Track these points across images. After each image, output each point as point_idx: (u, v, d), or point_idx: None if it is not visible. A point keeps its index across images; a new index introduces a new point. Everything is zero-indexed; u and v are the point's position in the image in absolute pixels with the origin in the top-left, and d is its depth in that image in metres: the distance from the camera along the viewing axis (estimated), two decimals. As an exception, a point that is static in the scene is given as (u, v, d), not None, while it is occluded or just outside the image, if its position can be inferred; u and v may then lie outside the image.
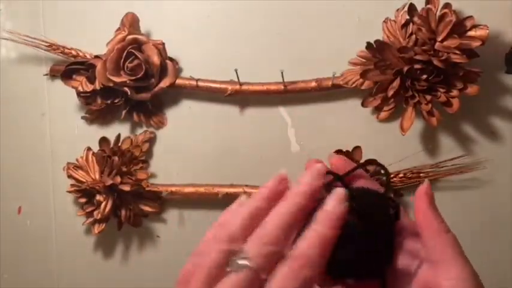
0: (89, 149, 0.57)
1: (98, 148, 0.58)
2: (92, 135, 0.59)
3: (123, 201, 0.55)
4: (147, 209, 0.56)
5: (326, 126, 0.53)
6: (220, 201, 0.55)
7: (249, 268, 0.25)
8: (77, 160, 0.57)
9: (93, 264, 0.61)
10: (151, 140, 0.57)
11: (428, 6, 0.45)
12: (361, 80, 0.48)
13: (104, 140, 0.57)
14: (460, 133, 0.49)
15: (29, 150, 0.61)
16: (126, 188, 0.54)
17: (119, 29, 0.55)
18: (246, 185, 0.54)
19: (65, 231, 0.62)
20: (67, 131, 0.60)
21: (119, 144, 0.57)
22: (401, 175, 0.49)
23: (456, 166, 0.49)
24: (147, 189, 0.55)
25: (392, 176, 0.49)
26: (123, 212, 0.55)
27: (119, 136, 0.57)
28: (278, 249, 0.26)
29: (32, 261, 0.63)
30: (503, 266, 0.50)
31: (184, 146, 0.57)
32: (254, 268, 0.25)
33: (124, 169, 0.55)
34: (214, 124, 0.56)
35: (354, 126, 0.52)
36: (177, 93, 0.56)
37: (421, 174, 0.49)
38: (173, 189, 0.55)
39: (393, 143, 0.51)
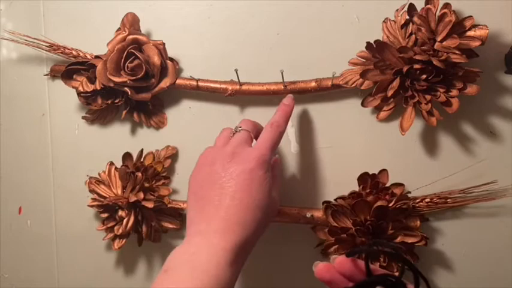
0: (111, 163, 0.57)
1: (99, 151, 0.58)
2: (92, 135, 0.59)
3: (144, 217, 0.55)
4: (167, 225, 0.56)
5: (326, 126, 0.53)
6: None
7: (244, 130, 0.47)
8: (99, 174, 0.58)
9: (93, 263, 0.61)
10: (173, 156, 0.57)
11: (428, 6, 0.45)
12: (361, 80, 0.48)
13: (127, 155, 0.57)
14: (460, 133, 0.49)
15: (29, 150, 0.62)
16: (149, 204, 0.54)
17: (119, 29, 0.55)
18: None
19: (65, 231, 0.62)
20: (67, 131, 0.60)
21: (142, 160, 0.57)
22: (427, 200, 0.49)
23: (485, 193, 0.48)
24: (169, 206, 0.55)
25: (418, 200, 0.49)
26: (144, 228, 0.55)
27: (141, 151, 0.57)
28: (259, 126, 0.50)
29: (32, 261, 0.63)
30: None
31: (185, 146, 0.57)
32: (247, 130, 0.48)
33: (146, 185, 0.55)
34: (214, 124, 0.56)
35: (353, 126, 0.52)
36: (177, 93, 0.56)
37: (448, 200, 0.49)
38: None
39: (393, 143, 0.51)
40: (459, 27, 0.44)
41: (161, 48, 0.55)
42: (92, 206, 0.56)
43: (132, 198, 0.54)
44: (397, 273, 0.34)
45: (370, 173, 0.50)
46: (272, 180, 0.44)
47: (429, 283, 0.33)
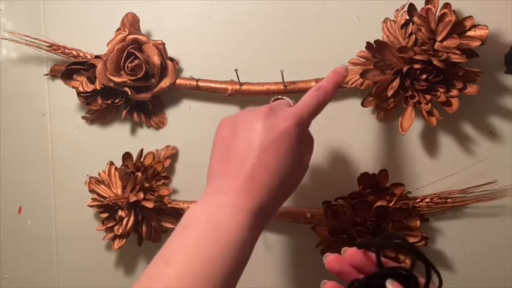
0: (111, 163, 0.57)
1: (99, 151, 0.58)
2: (92, 135, 0.59)
3: (144, 217, 0.55)
4: (167, 225, 0.56)
5: (326, 126, 0.53)
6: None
7: (284, 99, 0.44)
8: (99, 174, 0.58)
9: (93, 263, 0.61)
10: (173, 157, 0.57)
11: (428, 6, 0.45)
12: (361, 79, 0.49)
13: (127, 155, 0.57)
14: (460, 133, 0.49)
15: (29, 150, 0.62)
16: (149, 204, 0.54)
17: (119, 29, 0.55)
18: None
19: (65, 231, 0.62)
20: (67, 131, 0.60)
21: (142, 160, 0.57)
22: (427, 200, 0.49)
23: (485, 193, 0.48)
24: (169, 205, 0.55)
25: (418, 200, 0.49)
26: (144, 228, 0.55)
27: (141, 151, 0.57)
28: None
29: (32, 261, 0.63)
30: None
31: (185, 146, 0.57)
32: (287, 99, 0.44)
33: (146, 185, 0.55)
34: (214, 124, 0.55)
35: (354, 126, 0.52)
36: (177, 93, 0.56)
37: (448, 200, 0.48)
38: None
39: (393, 143, 0.51)
40: (459, 27, 0.44)
41: (161, 48, 0.55)
42: (92, 206, 0.56)
43: (132, 198, 0.54)
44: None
45: (370, 173, 0.50)
46: (306, 144, 0.41)
47: (441, 275, 0.33)
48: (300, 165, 0.40)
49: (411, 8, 0.46)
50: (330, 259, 0.36)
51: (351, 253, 0.36)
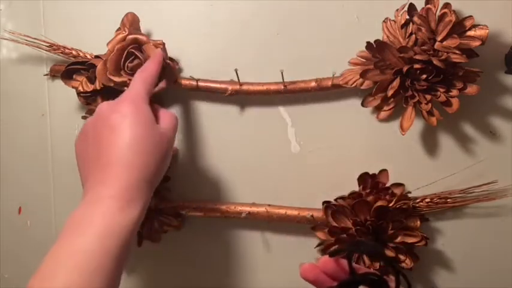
0: None
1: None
2: (92, 135, 0.59)
3: (144, 217, 0.55)
4: (168, 225, 0.56)
5: (326, 126, 0.53)
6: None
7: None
8: None
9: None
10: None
11: (428, 6, 0.45)
12: (361, 79, 0.48)
13: None
14: (460, 133, 0.49)
15: (29, 150, 0.62)
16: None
17: (119, 29, 0.55)
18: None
19: (65, 231, 0.62)
20: (67, 131, 0.60)
21: None
22: (427, 200, 0.49)
23: (485, 193, 0.48)
24: (169, 205, 0.55)
25: (418, 200, 0.49)
26: (144, 228, 0.55)
27: None
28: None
29: (32, 261, 0.63)
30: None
31: (185, 146, 0.57)
32: None
33: None
34: (214, 124, 0.56)
35: (354, 126, 0.52)
36: (177, 93, 0.56)
37: (449, 200, 0.48)
38: (194, 206, 0.55)
39: (393, 143, 0.51)
40: (459, 27, 0.44)
41: (161, 48, 0.55)
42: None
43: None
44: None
45: (370, 173, 0.50)
46: (156, 113, 0.45)
47: (410, 280, 0.34)
48: (151, 130, 0.42)
49: (411, 8, 0.46)
50: (304, 268, 0.38)
51: (323, 261, 0.37)
